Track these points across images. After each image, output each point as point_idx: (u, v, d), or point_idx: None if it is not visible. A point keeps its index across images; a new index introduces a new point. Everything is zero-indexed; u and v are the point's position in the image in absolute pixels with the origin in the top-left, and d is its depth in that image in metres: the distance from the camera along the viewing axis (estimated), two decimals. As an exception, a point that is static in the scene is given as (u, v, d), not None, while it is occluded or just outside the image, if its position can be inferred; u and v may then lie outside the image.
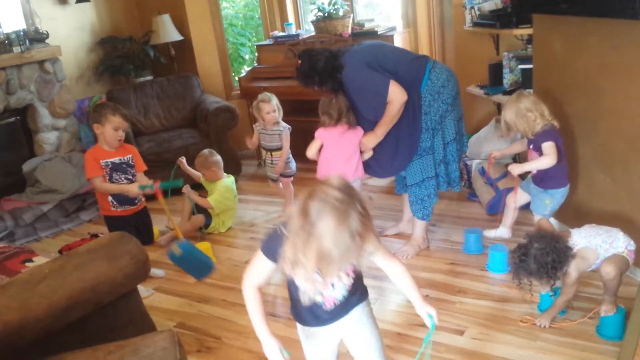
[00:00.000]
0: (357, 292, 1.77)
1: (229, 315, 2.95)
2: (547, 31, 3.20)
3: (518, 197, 3.18)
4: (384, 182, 4.41)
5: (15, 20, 4.73)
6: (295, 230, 1.44)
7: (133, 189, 3.14)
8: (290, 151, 4.03)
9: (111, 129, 3.02)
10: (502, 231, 3.30)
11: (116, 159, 3.08)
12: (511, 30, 3.61)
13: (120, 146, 3.17)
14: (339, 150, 3.15)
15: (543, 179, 2.95)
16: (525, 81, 3.66)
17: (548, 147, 2.83)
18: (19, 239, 4.17)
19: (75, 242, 3.88)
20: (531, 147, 2.94)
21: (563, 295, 2.45)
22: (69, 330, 1.93)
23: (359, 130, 3.16)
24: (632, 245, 2.43)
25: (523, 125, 2.86)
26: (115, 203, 3.21)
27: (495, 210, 3.55)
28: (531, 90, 3.55)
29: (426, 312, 1.72)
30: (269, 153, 4.04)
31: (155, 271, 3.37)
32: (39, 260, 2.67)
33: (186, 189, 3.73)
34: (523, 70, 3.71)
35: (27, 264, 2.66)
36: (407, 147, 3.15)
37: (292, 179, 4.13)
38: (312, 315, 1.75)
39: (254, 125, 4.12)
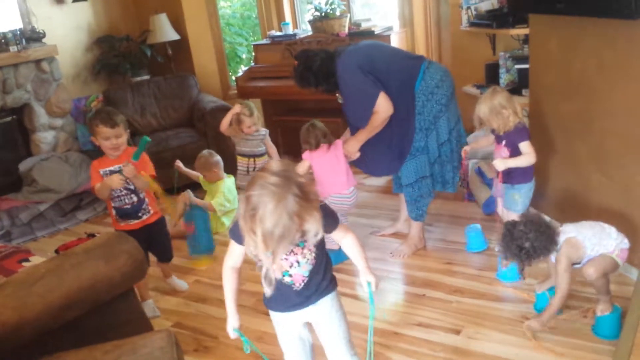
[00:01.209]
0: (325, 277, 1.86)
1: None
2: (544, 31, 3.21)
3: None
4: (381, 181, 4.42)
5: (12, 19, 4.72)
6: (242, 216, 1.57)
7: (112, 180, 2.78)
8: None
9: (102, 140, 2.81)
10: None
11: (115, 167, 2.82)
12: (508, 30, 3.62)
13: (123, 152, 2.88)
14: (326, 168, 3.25)
15: (510, 175, 2.94)
16: (522, 81, 3.67)
17: (526, 146, 2.83)
18: (15, 238, 4.16)
19: (72, 242, 3.87)
20: (503, 143, 2.93)
21: (558, 292, 2.43)
22: (65, 329, 1.93)
23: (338, 143, 3.26)
24: (625, 244, 2.41)
25: (497, 122, 2.85)
26: (118, 217, 2.93)
27: (491, 210, 3.56)
28: (527, 90, 3.56)
29: (366, 280, 1.85)
30: (251, 160, 3.84)
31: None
32: (36, 259, 2.67)
33: (187, 193, 3.69)
34: (519, 70, 3.72)
35: (23, 264, 2.66)
36: (401, 146, 3.17)
37: None
38: (283, 299, 1.84)
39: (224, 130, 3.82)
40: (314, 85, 3.17)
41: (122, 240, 2.17)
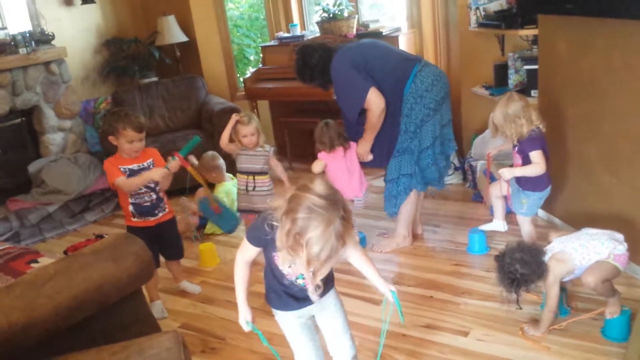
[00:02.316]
0: (330, 276, 1.90)
1: (233, 316, 2.94)
2: (553, 32, 3.20)
3: (502, 187, 3.14)
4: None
5: (21, 21, 4.75)
6: (284, 234, 1.54)
7: (154, 173, 2.84)
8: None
9: (126, 143, 2.81)
10: (497, 224, 3.28)
11: (134, 166, 2.86)
12: (516, 30, 3.60)
13: (142, 152, 2.91)
14: (343, 170, 3.30)
15: (522, 179, 2.94)
16: (531, 82, 3.65)
17: (536, 156, 2.82)
18: (24, 239, 4.19)
19: (81, 243, 3.89)
20: (516, 150, 2.93)
21: (546, 306, 2.43)
22: (73, 330, 1.93)
23: (353, 145, 3.32)
24: (619, 250, 2.35)
25: (510, 130, 2.84)
26: (135, 213, 2.93)
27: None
28: (536, 91, 3.55)
29: (388, 289, 1.91)
30: (250, 177, 3.41)
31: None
32: (44, 261, 2.67)
33: (182, 200, 3.75)
34: (528, 70, 3.70)
35: (32, 265, 2.67)
36: (383, 145, 3.24)
37: None
38: (293, 299, 1.87)
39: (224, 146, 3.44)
40: (309, 79, 3.29)
41: (129, 242, 2.17)
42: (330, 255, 1.53)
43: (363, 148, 3.27)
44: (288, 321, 1.96)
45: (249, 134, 3.33)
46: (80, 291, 1.92)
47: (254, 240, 1.78)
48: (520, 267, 2.35)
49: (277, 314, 1.97)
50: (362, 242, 3.52)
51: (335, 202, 1.54)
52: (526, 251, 2.39)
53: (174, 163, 2.88)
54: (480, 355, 2.42)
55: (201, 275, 3.45)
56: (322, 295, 1.87)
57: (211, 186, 4.08)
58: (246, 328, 1.91)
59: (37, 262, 2.68)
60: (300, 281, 1.80)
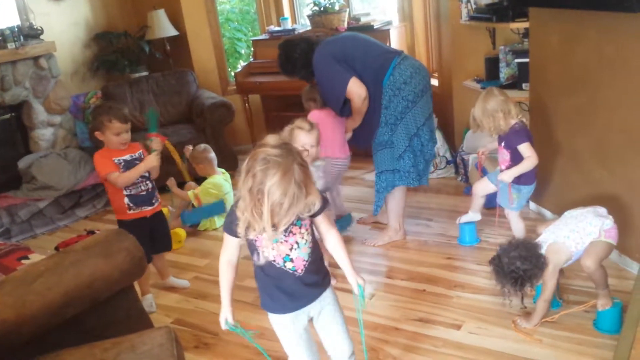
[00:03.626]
0: (322, 265, 1.89)
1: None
2: (544, 25, 3.20)
3: (484, 187, 3.18)
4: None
5: (9, 16, 4.70)
6: (245, 192, 1.58)
7: (152, 158, 2.87)
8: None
9: (112, 136, 2.80)
10: (473, 215, 3.30)
11: (127, 157, 2.86)
12: (508, 23, 3.60)
13: (127, 146, 2.91)
14: (331, 128, 3.30)
15: (519, 177, 2.94)
16: (522, 75, 3.66)
17: (526, 148, 2.83)
18: (14, 235, 4.16)
19: (72, 239, 3.87)
20: (502, 144, 2.94)
21: (542, 295, 2.43)
22: (65, 327, 1.92)
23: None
24: (607, 224, 2.37)
25: (489, 124, 2.88)
26: (131, 205, 2.89)
27: (491, 204, 3.55)
28: (528, 85, 3.55)
29: (356, 281, 1.89)
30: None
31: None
32: (35, 257, 2.67)
33: (170, 181, 3.76)
34: (519, 64, 3.70)
35: (22, 261, 2.66)
36: (362, 131, 3.30)
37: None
38: (288, 296, 1.83)
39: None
40: (292, 73, 3.36)
41: (121, 238, 2.17)
42: (292, 203, 1.55)
43: (351, 125, 3.34)
44: (284, 327, 1.90)
45: (309, 145, 2.65)
46: (71, 287, 1.91)
47: (228, 228, 1.77)
48: (521, 263, 2.33)
49: (273, 319, 1.92)
50: (348, 219, 3.56)
51: (289, 150, 1.59)
52: (521, 247, 2.38)
53: (155, 143, 2.93)
54: (473, 348, 2.43)
55: (194, 271, 3.44)
56: (319, 292, 1.87)
57: (198, 180, 4.13)
58: (224, 326, 1.89)
59: (27, 258, 2.67)
60: (288, 264, 1.78)
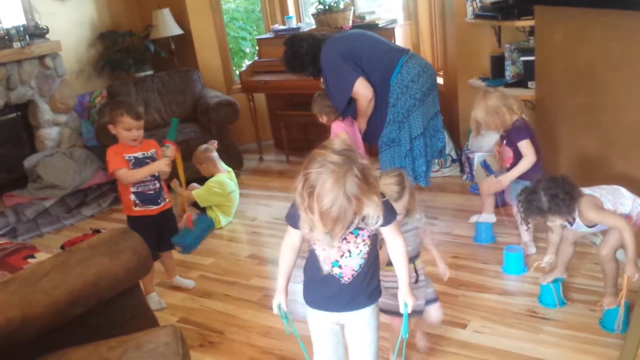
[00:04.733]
0: (373, 280, 1.79)
1: (231, 310, 2.95)
2: (549, 23, 3.19)
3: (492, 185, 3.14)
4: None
5: (15, 15, 4.72)
6: (300, 193, 1.52)
7: (162, 164, 2.89)
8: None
9: (123, 130, 2.83)
10: (487, 217, 3.28)
11: (139, 154, 2.88)
12: (513, 22, 3.59)
13: (141, 143, 2.94)
14: (357, 137, 3.37)
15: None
16: (527, 73, 3.64)
17: (525, 146, 2.82)
18: (21, 234, 4.17)
19: (78, 238, 3.88)
20: (504, 142, 2.93)
21: (623, 232, 2.26)
22: (71, 326, 1.92)
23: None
24: (638, 204, 2.37)
25: (495, 122, 2.87)
26: (137, 202, 2.93)
27: (496, 203, 3.54)
28: (533, 83, 3.54)
29: (403, 300, 1.79)
30: (411, 264, 2.17)
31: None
32: (41, 256, 2.66)
33: (174, 183, 3.74)
34: (525, 62, 3.69)
35: (29, 260, 2.66)
36: (370, 127, 3.32)
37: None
38: (326, 294, 1.79)
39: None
40: (299, 69, 3.33)
41: (127, 237, 2.17)
42: (339, 215, 1.48)
43: (361, 125, 3.36)
44: (316, 320, 1.85)
45: (402, 207, 2.12)
46: (76, 286, 1.91)
47: (290, 220, 1.73)
48: (559, 189, 2.27)
49: (307, 310, 1.87)
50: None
51: (348, 157, 1.50)
52: (558, 178, 2.32)
53: (170, 150, 2.95)
54: (479, 347, 2.42)
55: (199, 269, 3.44)
56: (357, 306, 1.79)
57: (201, 181, 4.12)
58: (276, 311, 1.84)
59: (33, 257, 2.67)
60: (336, 269, 1.72)
